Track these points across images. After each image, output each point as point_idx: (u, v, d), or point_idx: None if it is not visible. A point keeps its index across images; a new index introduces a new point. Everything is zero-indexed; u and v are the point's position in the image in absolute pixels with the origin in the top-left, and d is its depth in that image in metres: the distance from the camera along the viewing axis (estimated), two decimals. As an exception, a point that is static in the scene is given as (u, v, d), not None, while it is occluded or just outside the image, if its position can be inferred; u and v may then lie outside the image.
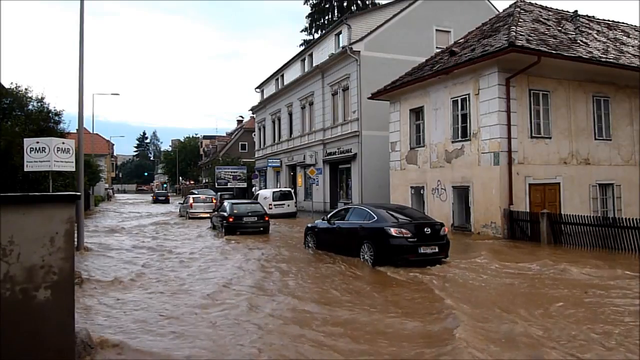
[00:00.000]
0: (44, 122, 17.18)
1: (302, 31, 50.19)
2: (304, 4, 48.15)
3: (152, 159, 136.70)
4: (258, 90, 45.03)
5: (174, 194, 79.38)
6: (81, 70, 13.70)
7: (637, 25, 21.44)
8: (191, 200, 28.22)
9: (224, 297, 8.02)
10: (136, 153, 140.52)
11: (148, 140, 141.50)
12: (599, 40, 17.67)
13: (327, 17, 47.64)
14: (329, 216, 13.27)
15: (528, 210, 15.01)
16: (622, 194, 17.29)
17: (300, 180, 33.55)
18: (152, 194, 64.83)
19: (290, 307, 7.37)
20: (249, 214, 18.69)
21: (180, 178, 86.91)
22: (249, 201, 23.20)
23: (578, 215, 13.33)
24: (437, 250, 10.56)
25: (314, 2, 47.65)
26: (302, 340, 5.74)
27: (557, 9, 19.41)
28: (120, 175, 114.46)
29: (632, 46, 18.43)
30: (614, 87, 17.20)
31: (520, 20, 16.81)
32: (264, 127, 42.44)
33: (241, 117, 76.40)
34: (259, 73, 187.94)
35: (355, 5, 46.11)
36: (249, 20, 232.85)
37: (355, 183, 26.23)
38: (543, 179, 15.71)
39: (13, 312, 3.67)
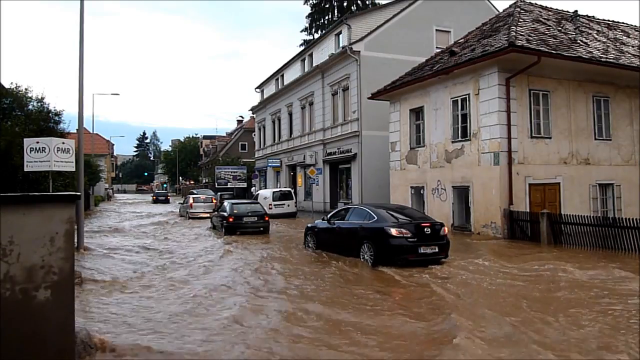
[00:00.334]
0: (44, 122, 17.19)
1: (302, 31, 50.26)
2: (304, 4, 48.20)
3: (152, 159, 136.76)
4: (258, 90, 45.04)
5: (174, 194, 79.39)
6: (81, 70, 13.70)
7: (637, 25, 21.46)
8: (191, 200, 28.21)
9: (223, 297, 8.02)
10: (136, 153, 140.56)
11: (148, 140, 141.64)
12: (599, 40, 17.68)
13: (327, 17, 47.64)
14: (329, 216, 13.27)
15: (528, 210, 15.01)
16: (622, 194, 17.29)
17: (300, 180, 33.55)
18: (152, 194, 64.80)
19: (290, 307, 7.36)
20: (249, 214, 18.69)
21: (180, 178, 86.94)
22: (249, 201, 23.20)
23: (578, 215, 13.33)
24: (437, 250, 10.56)
25: (314, 2, 47.66)
26: (301, 340, 5.75)
27: (557, 9, 19.41)
28: (120, 175, 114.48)
29: (632, 46, 18.44)
30: (614, 87, 17.20)
31: (520, 20, 16.81)
32: (264, 127, 42.44)
33: (241, 117, 76.48)
34: (259, 73, 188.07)
35: (355, 5, 46.11)
36: (249, 20, 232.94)
37: (355, 183, 26.23)
38: (543, 179, 15.71)
39: (13, 312, 3.67)
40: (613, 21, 20.71)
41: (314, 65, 31.60)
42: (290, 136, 35.77)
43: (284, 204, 27.17)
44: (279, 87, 38.85)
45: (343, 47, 27.00)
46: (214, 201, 28.89)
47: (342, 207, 16.10)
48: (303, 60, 34.64)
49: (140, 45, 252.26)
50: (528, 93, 15.62)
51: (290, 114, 35.92)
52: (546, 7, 19.22)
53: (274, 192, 28.25)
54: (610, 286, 8.30)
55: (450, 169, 17.26)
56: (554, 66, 15.45)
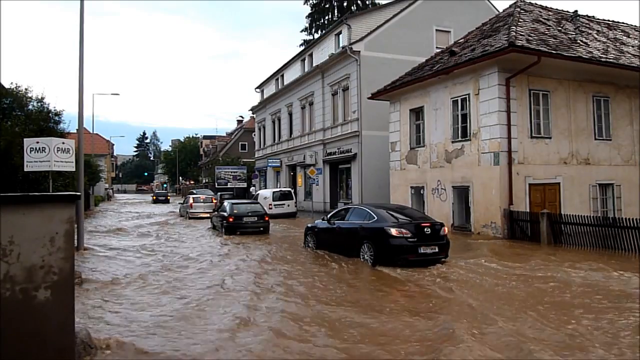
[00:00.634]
0: (44, 122, 17.17)
1: (302, 31, 50.25)
2: (304, 4, 48.20)
3: (152, 159, 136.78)
4: (258, 90, 45.04)
5: (174, 194, 79.41)
6: (81, 70, 13.71)
7: (637, 25, 21.46)
8: (191, 200, 28.21)
9: (223, 298, 8.02)
10: (136, 153, 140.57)
11: (148, 140, 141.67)
12: (599, 40, 17.68)
13: (327, 17, 47.65)
14: (329, 216, 13.27)
15: (528, 210, 15.01)
16: (622, 194, 17.29)
17: (300, 180, 33.55)
18: (152, 194, 64.80)
19: (289, 306, 7.36)
20: (249, 214, 18.69)
21: (180, 178, 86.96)
22: (249, 201, 23.20)
23: (578, 215, 13.33)
24: (437, 250, 10.56)
25: (314, 2, 47.66)
26: (299, 340, 5.75)
27: (557, 9, 19.40)
28: (120, 175, 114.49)
29: (632, 46, 18.44)
30: (614, 87, 17.20)
31: (520, 20, 16.81)
32: (264, 127, 42.44)
33: (241, 117, 76.51)
34: (259, 73, 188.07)
35: (355, 5, 46.11)
36: (249, 20, 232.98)
37: (355, 183, 26.23)
38: (543, 179, 15.71)
39: (13, 312, 3.67)
40: (613, 21, 20.71)
41: (314, 65, 31.60)
42: (290, 136, 35.77)
43: (284, 204, 27.17)
44: (279, 87, 38.85)
45: (343, 47, 27.00)
46: (214, 201, 28.89)
47: (342, 207, 16.10)
48: (303, 60, 34.64)
49: (140, 45, 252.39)
50: (528, 93, 15.62)
51: (290, 114, 35.92)
52: (546, 7, 19.22)
53: (274, 192, 28.25)
54: (610, 286, 8.29)
55: (450, 169, 17.25)
56: (554, 66, 15.45)
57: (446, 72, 16.87)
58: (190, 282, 9.42)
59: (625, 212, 16.24)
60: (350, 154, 26.52)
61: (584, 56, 15.46)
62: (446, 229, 11.14)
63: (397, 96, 20.22)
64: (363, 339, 5.79)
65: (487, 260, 10.82)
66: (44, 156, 12.15)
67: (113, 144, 65.88)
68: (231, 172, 46.49)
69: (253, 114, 48.51)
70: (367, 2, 45.61)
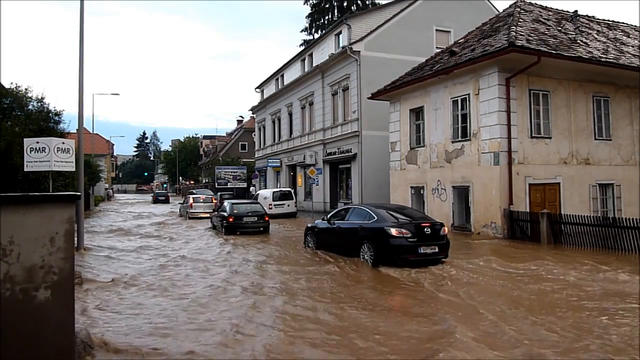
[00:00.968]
0: (44, 122, 17.17)
1: (302, 31, 50.27)
2: (304, 4, 48.20)
3: (152, 159, 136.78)
4: (258, 90, 45.04)
5: (174, 194, 79.41)
6: (81, 70, 13.70)
7: (637, 25, 21.46)
8: (191, 201, 28.21)
9: (223, 298, 8.02)
10: (136, 153, 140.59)
11: (148, 140, 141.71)
12: (599, 40, 17.67)
13: (327, 17, 47.64)
14: (329, 216, 13.26)
15: (528, 210, 15.01)
16: (622, 194, 17.29)
17: (300, 180, 33.55)
18: (152, 194, 64.82)
19: (289, 306, 7.36)
20: (249, 214, 18.69)
21: (180, 178, 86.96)
22: (249, 201, 23.20)
23: (578, 215, 13.33)
24: (437, 250, 10.55)
25: (314, 2, 47.66)
26: (298, 339, 5.75)
27: (557, 9, 19.41)
28: (120, 175, 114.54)
29: (632, 46, 18.43)
30: (614, 87, 17.20)
31: (520, 20, 16.81)
32: (264, 127, 42.44)
33: (241, 117, 76.51)
34: (259, 73, 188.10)
35: (355, 5, 46.11)
36: (249, 20, 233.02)
37: (355, 183, 26.23)
38: (543, 179, 15.71)
39: (13, 312, 3.67)
40: (613, 21, 20.71)
41: (314, 65, 31.59)
42: (290, 136, 35.76)
43: (284, 204, 27.17)
44: (279, 87, 38.85)
45: (343, 47, 27.00)
46: (214, 201, 28.88)
47: (342, 207, 16.09)
48: (303, 60, 34.64)
49: (140, 45, 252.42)
50: (528, 93, 15.62)
51: (290, 114, 35.92)
52: (546, 7, 19.22)
53: (274, 192, 28.24)
54: (608, 287, 8.29)
55: (450, 169, 17.25)
56: (554, 66, 15.45)
57: (446, 72, 16.87)
58: (190, 282, 9.42)
59: (625, 212, 16.24)
60: (350, 154, 26.52)
61: (584, 56, 15.46)
62: (446, 229, 11.13)
63: (397, 96, 20.22)
64: (362, 338, 5.78)
65: (487, 261, 10.81)
66: (44, 156, 12.14)
67: (113, 144, 65.89)
68: (231, 172, 46.49)
69: (253, 114, 48.51)
70: (367, 2, 45.61)
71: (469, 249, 12.98)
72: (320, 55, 31.20)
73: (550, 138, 15.96)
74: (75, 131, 17.46)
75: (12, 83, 18.15)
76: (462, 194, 16.94)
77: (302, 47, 43.18)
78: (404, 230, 10.36)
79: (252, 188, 41.84)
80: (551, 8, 19.31)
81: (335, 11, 46.92)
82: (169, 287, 8.94)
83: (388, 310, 7.13)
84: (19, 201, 3.87)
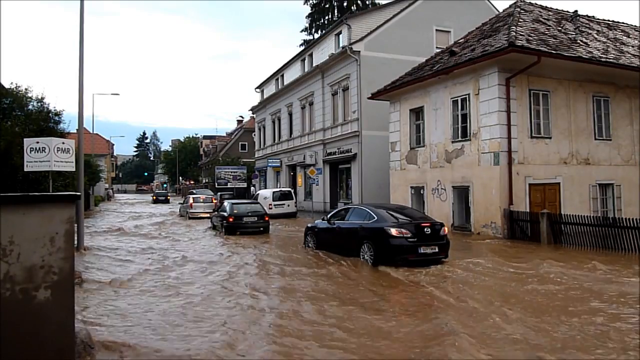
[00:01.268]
0: (44, 122, 17.17)
1: (302, 31, 50.25)
2: (304, 4, 48.19)
3: (152, 159, 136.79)
4: (258, 90, 45.04)
5: (174, 194, 79.42)
6: (81, 70, 13.70)
7: (637, 25, 21.46)
8: (191, 201, 28.22)
9: (223, 298, 8.02)
10: (136, 153, 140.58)
11: (148, 140, 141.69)
12: (599, 40, 17.67)
13: (327, 17, 47.63)
14: (329, 216, 13.26)
15: (528, 210, 15.01)
16: (622, 194, 17.29)
17: (300, 180, 33.55)
18: (152, 194, 64.82)
19: (289, 306, 7.36)
20: (249, 214, 18.69)
21: (180, 178, 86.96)
22: (249, 201, 23.20)
23: (578, 215, 13.33)
24: (437, 250, 10.56)
25: (314, 2, 47.65)
26: (298, 339, 5.75)
27: (557, 9, 19.41)
28: (120, 175, 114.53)
29: (632, 46, 18.43)
30: (614, 87, 17.20)
31: (520, 20, 16.81)
32: (264, 127, 42.44)
33: (241, 117, 76.53)
34: (259, 73, 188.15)
35: (355, 5, 46.09)
36: (249, 20, 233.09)
37: (355, 183, 26.23)
38: (543, 179, 15.71)
39: (13, 312, 3.67)
40: (613, 21, 20.71)
41: (314, 65, 31.59)
42: (290, 136, 35.76)
43: (284, 204, 27.17)
44: (279, 87, 38.85)
45: (343, 47, 27.00)
46: (214, 201, 28.89)
47: (342, 207, 16.10)
48: (303, 60, 34.64)
49: (140, 45, 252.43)
50: (528, 93, 15.62)
51: (290, 114, 35.92)
52: (546, 7, 19.22)
53: (274, 192, 28.25)
54: (608, 287, 8.29)
55: (450, 169, 17.25)
56: (554, 66, 15.45)
57: (446, 72, 16.87)
58: (190, 282, 9.42)
59: (625, 212, 16.24)
60: (350, 154, 26.52)
61: (584, 56, 15.45)
62: (446, 229, 11.14)
63: (397, 96, 20.22)
64: (362, 338, 5.79)
65: (487, 261, 10.81)
66: (44, 156, 12.14)
67: (113, 144, 65.87)
68: (231, 172, 46.49)
69: (253, 114, 48.51)
70: (367, 2, 45.60)
71: (469, 249, 12.98)
72: (320, 55, 31.20)
73: (550, 138, 15.96)
74: (75, 131, 17.46)
75: (12, 83, 18.17)
76: (462, 194, 16.94)
77: (302, 47, 43.18)
78: (404, 230, 10.36)
79: (252, 188, 41.83)
80: (551, 8, 19.31)
81: (335, 11, 46.91)
82: (168, 287, 8.94)
83: (388, 310, 7.12)
84: (19, 201, 3.87)
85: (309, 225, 14.18)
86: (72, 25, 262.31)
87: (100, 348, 5.15)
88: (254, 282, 9.26)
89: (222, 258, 12.59)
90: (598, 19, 20.20)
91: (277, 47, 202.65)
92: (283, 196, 27.82)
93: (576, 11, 19.30)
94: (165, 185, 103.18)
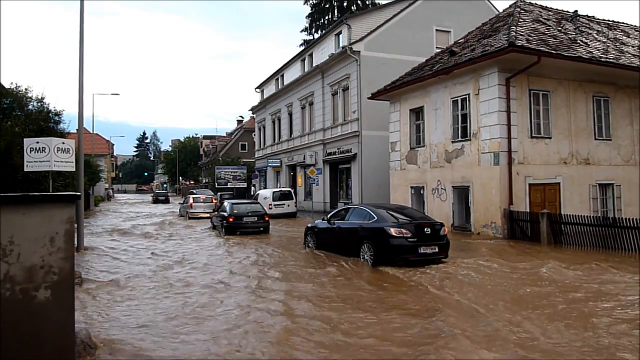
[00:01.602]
0: (44, 122, 17.16)
1: (302, 31, 50.25)
2: (304, 4, 48.20)
3: (152, 159, 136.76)
4: (258, 90, 45.03)
5: (174, 194, 79.41)
6: (81, 70, 13.71)
7: (637, 25, 21.45)
8: (191, 201, 28.21)
9: (223, 298, 8.02)
10: (136, 153, 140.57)
11: (148, 140, 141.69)
12: (599, 40, 17.67)
13: (327, 17, 47.63)
14: (329, 216, 13.26)
15: (528, 210, 15.00)
16: (622, 194, 17.29)
17: (300, 180, 33.55)
18: (152, 194, 64.81)
19: (289, 306, 7.36)
20: (249, 214, 18.68)
21: (180, 178, 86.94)
22: (249, 201, 23.19)
23: (578, 215, 13.33)
24: (437, 250, 10.56)
25: (314, 2, 47.65)
26: (298, 339, 5.75)
27: (557, 9, 19.41)
28: (120, 175, 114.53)
29: (632, 46, 18.43)
30: (614, 87, 17.20)
31: (520, 20, 16.81)
32: (264, 127, 42.44)
33: (241, 117, 76.52)
34: (259, 73, 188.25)
35: (355, 5, 46.10)
36: (249, 20, 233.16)
37: (355, 183, 26.23)
38: (543, 179, 15.71)
39: (13, 312, 3.67)
40: (613, 21, 20.71)
41: (314, 65, 31.59)
42: (290, 136, 35.76)
43: (284, 204, 27.17)
44: (279, 87, 38.85)
45: (343, 47, 27.00)
46: (214, 201, 28.88)
47: (342, 207, 16.09)
48: (303, 60, 34.64)
49: (140, 45, 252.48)
50: (528, 93, 15.62)
51: (290, 114, 35.92)
52: (546, 7, 19.22)
53: (274, 192, 28.23)
54: (608, 287, 8.29)
55: (450, 169, 17.25)
56: (554, 66, 15.45)
57: (446, 72, 16.86)
58: (190, 282, 9.41)
59: (625, 212, 16.24)
60: (350, 154, 26.52)
61: (584, 56, 15.45)
62: (446, 229, 11.14)
63: (397, 96, 20.22)
64: (361, 338, 5.78)
65: (487, 261, 10.81)
66: (44, 156, 12.14)
67: (113, 144, 65.90)
68: (231, 172, 46.48)
69: (253, 114, 48.51)
70: (367, 2, 45.60)
71: (468, 249, 12.97)
72: (320, 55, 31.19)
73: (550, 138, 15.96)
74: (75, 131, 17.46)
75: (12, 83, 18.17)
76: (462, 194, 16.94)
77: (302, 47, 43.18)
78: (404, 230, 10.36)
79: (252, 188, 41.82)
80: (551, 8, 19.31)
81: (335, 11, 46.91)
82: (168, 287, 8.94)
83: (388, 310, 7.12)
84: (19, 201, 3.87)
85: (309, 225, 14.18)
86: (72, 25, 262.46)
87: (100, 348, 5.15)
88: (253, 283, 9.25)
89: (222, 258, 12.59)
90: (598, 19, 20.20)
91: (277, 47, 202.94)
92: (283, 196, 27.82)
93: (576, 11, 19.30)
94: (165, 185, 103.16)
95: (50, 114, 17.83)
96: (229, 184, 44.89)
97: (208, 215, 24.65)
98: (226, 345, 5.59)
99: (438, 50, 23.03)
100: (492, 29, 17.57)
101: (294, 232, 18.34)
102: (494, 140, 15.29)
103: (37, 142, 12.26)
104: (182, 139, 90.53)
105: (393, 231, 10.32)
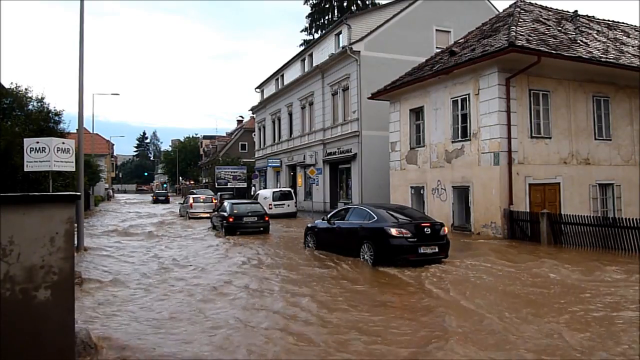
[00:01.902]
0: (44, 122, 17.18)
1: (302, 31, 50.26)
2: (304, 4, 48.20)
3: (152, 159, 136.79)
4: (258, 90, 45.04)
5: (174, 194, 79.40)
6: (81, 70, 13.70)
7: (637, 25, 21.45)
8: (191, 201, 28.22)
9: (223, 298, 8.02)
10: (136, 153, 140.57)
11: (148, 140, 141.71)
12: (599, 40, 17.67)
13: (327, 17, 47.63)
14: (329, 216, 13.26)
15: (528, 210, 15.00)
16: (622, 194, 17.28)
17: (300, 180, 33.55)
18: (152, 194, 64.82)
19: (289, 306, 7.36)
20: (249, 214, 18.69)
21: (180, 178, 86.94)
22: (249, 201, 23.19)
23: (578, 215, 13.33)
24: (437, 250, 10.56)
25: (314, 2, 47.65)
26: (298, 339, 5.75)
27: (557, 9, 19.40)
28: (120, 175, 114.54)
29: (632, 46, 18.43)
30: (614, 87, 17.20)
31: (520, 20, 16.81)
32: (264, 127, 42.44)
33: (241, 117, 76.51)
34: (259, 73, 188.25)
35: (355, 5, 46.10)
36: (249, 20, 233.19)
37: (355, 183, 26.23)
38: (543, 179, 15.71)
39: (13, 312, 3.67)
40: (613, 21, 20.71)
41: (314, 65, 31.59)
42: (290, 136, 35.76)
43: (284, 204, 27.17)
44: (279, 87, 38.85)
45: (343, 47, 27.00)
46: (214, 201, 28.89)
47: (342, 207, 16.09)
48: (303, 60, 34.64)
49: (140, 45, 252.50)
50: (528, 93, 15.62)
51: (290, 114, 35.92)
52: (546, 7, 19.22)
53: (274, 192, 28.24)
54: (608, 287, 8.29)
55: (450, 169, 17.25)
56: (554, 66, 15.45)
57: (446, 72, 16.86)
58: (190, 282, 9.41)
59: (625, 212, 16.24)
60: (350, 154, 26.52)
61: (584, 56, 15.45)
62: (446, 229, 11.14)
63: (397, 96, 20.22)
64: (361, 338, 5.78)
65: (487, 261, 10.81)
66: (44, 156, 12.14)
67: (113, 144, 65.92)
68: (231, 172, 46.48)
69: (253, 114, 48.51)
70: (367, 2, 45.60)
71: (469, 249, 12.97)
72: (320, 55, 31.19)
73: (550, 138, 15.96)
74: (75, 131, 17.46)
75: (12, 83, 18.19)
76: (462, 194, 16.94)
77: (302, 47, 43.19)
78: (404, 230, 10.36)
79: (252, 188, 41.81)
80: (551, 8, 19.31)
81: (335, 11, 46.91)
82: (169, 286, 8.94)
83: (388, 311, 7.12)
84: (19, 201, 3.87)
85: (309, 225, 14.18)
86: (72, 25, 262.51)
87: (100, 348, 5.15)
88: (253, 283, 9.25)
89: (221, 258, 12.58)
90: (598, 19, 20.19)
91: (277, 47, 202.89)
92: (283, 196, 27.82)
93: (576, 11, 19.30)
94: (165, 185, 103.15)
95: (50, 114, 17.85)
96: (229, 184, 44.89)
97: (208, 215, 24.66)
98: (226, 345, 5.59)
99: (438, 50, 23.03)
100: (492, 29, 17.57)
101: (294, 232, 18.34)
102: (494, 140, 15.29)
103: (37, 142, 12.26)
104: (182, 139, 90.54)
105: (393, 231, 10.32)
